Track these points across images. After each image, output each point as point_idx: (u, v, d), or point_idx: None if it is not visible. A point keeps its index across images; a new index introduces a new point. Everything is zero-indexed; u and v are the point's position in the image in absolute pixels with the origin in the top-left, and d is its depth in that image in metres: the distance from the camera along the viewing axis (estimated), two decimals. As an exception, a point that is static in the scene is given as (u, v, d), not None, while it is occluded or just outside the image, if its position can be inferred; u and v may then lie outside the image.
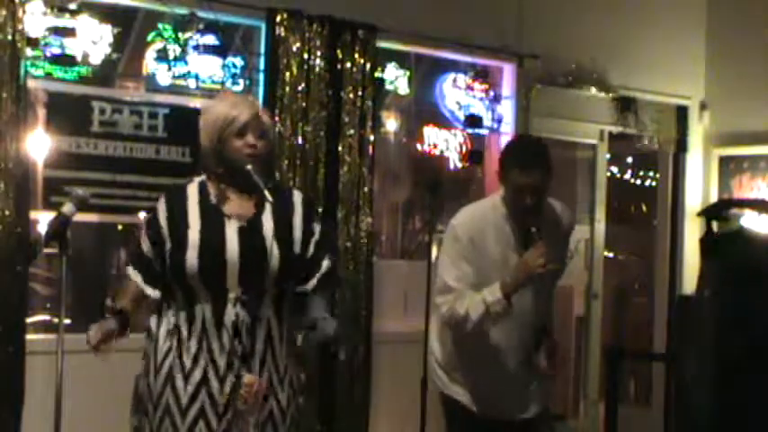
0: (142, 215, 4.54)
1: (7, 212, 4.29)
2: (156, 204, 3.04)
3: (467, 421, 3.63)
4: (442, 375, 3.71)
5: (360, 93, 5.28)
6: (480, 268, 3.46)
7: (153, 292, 3.00)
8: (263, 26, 5.06)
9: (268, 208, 3.00)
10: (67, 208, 3.15)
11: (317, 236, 3.09)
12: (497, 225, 3.49)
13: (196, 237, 2.92)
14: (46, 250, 4.25)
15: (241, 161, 2.95)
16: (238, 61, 5.05)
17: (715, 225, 4.35)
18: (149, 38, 4.98)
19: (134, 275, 3.01)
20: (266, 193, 2.94)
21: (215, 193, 3.00)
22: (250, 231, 2.96)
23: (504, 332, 3.51)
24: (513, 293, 3.37)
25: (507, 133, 5.94)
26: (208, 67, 4.88)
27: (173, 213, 2.98)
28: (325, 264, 3.11)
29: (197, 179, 3.07)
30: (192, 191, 3.03)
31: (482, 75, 5.93)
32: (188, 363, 2.91)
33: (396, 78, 5.83)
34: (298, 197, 3.13)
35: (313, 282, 3.07)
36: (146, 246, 3.00)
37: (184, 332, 2.92)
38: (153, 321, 3.00)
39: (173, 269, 2.93)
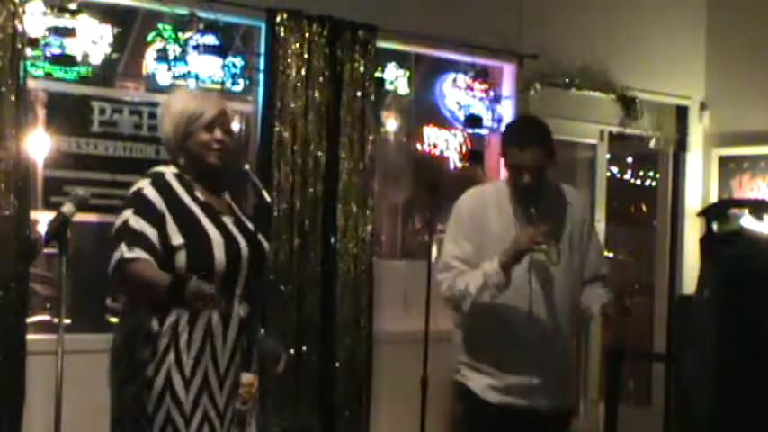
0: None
1: (7, 212, 4.29)
2: (140, 189, 2.90)
3: (482, 414, 3.52)
4: (462, 359, 3.59)
5: (360, 93, 5.28)
6: (481, 246, 3.45)
7: (167, 280, 2.74)
8: (263, 26, 5.06)
9: (233, 203, 3.03)
10: (67, 208, 3.15)
11: None
12: (499, 204, 3.51)
13: (217, 234, 2.86)
14: (46, 250, 4.27)
15: (205, 155, 2.94)
16: (238, 61, 5.04)
17: (715, 225, 4.34)
18: (149, 38, 4.98)
19: (148, 257, 2.76)
20: (264, 192, 2.94)
21: (198, 188, 2.95)
22: (240, 227, 2.96)
23: (518, 318, 3.45)
24: (509, 267, 3.33)
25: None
26: (208, 67, 4.87)
27: (171, 204, 2.87)
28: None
29: (169, 171, 2.98)
30: (174, 183, 2.95)
31: (482, 75, 5.93)
32: (188, 366, 2.82)
33: (396, 78, 5.82)
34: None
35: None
36: (149, 230, 2.80)
37: (185, 333, 2.83)
38: (154, 322, 2.83)
39: (193, 266, 2.80)
